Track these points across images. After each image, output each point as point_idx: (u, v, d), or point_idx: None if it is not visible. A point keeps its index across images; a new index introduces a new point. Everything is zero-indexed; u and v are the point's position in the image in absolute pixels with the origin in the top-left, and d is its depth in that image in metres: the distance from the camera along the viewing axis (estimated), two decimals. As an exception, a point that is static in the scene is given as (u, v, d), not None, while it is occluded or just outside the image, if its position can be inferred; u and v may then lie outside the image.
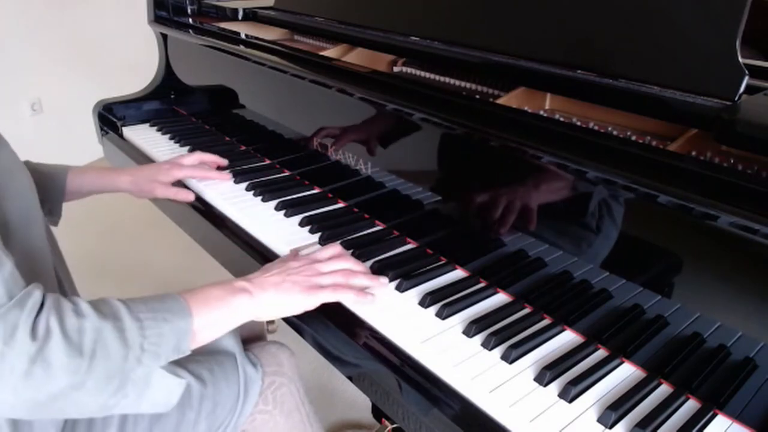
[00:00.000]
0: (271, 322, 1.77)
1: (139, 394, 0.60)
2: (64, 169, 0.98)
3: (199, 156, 1.10)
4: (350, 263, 0.79)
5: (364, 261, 0.84)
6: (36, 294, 0.55)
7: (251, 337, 1.00)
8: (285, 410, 0.85)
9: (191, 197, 1.05)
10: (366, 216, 0.98)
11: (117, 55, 3.04)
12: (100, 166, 1.05)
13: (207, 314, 0.66)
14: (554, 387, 0.64)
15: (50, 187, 0.94)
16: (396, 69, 1.05)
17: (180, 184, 1.08)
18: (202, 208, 1.05)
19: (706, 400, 0.62)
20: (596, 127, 0.75)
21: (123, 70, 2.86)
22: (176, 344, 0.62)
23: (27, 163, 0.91)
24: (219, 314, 0.67)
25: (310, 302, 0.74)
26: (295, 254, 0.82)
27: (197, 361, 0.79)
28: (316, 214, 0.98)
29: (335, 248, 0.81)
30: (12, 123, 2.63)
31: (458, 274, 0.84)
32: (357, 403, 1.61)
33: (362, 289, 0.77)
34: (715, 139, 0.66)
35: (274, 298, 0.72)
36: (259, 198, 1.03)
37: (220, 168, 1.13)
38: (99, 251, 2.32)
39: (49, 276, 0.76)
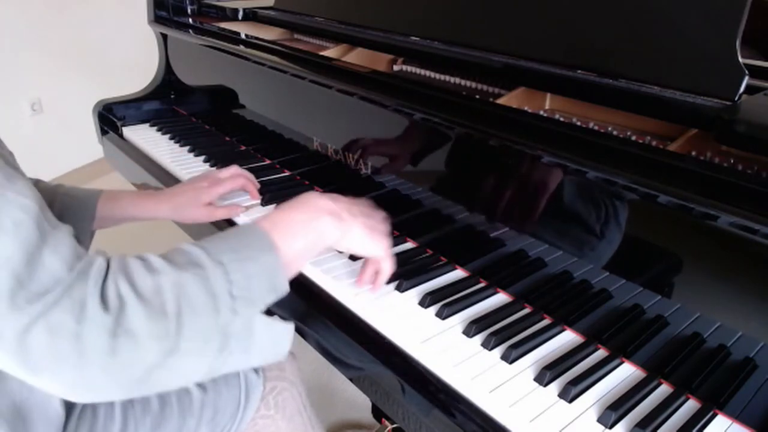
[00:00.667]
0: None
1: (245, 348, 0.53)
2: (96, 193, 0.88)
3: (237, 169, 1.00)
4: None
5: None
6: (98, 260, 0.49)
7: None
8: (287, 415, 0.85)
9: (240, 210, 0.98)
10: (366, 216, 0.98)
11: (117, 55, 3.04)
12: (135, 191, 0.95)
13: (293, 244, 0.59)
14: (554, 387, 0.64)
15: (79, 211, 0.85)
16: (396, 68, 1.05)
17: None
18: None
19: (706, 400, 0.62)
20: (596, 127, 0.75)
21: (123, 70, 2.86)
22: (269, 283, 0.56)
23: (59, 187, 0.86)
24: (305, 242, 0.60)
25: (386, 253, 0.71)
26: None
27: None
28: (316, 214, 0.98)
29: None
30: (12, 123, 2.63)
31: (458, 274, 0.84)
32: (357, 403, 1.61)
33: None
34: (715, 139, 0.66)
35: (361, 231, 0.67)
36: (259, 198, 1.03)
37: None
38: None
39: None
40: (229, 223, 0.99)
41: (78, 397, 0.49)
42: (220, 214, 0.95)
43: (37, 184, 0.83)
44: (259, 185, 1.03)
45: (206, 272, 0.52)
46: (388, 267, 0.74)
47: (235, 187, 0.98)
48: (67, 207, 0.84)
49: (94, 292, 0.47)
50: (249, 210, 0.97)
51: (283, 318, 0.59)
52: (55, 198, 0.84)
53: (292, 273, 0.60)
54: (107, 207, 0.87)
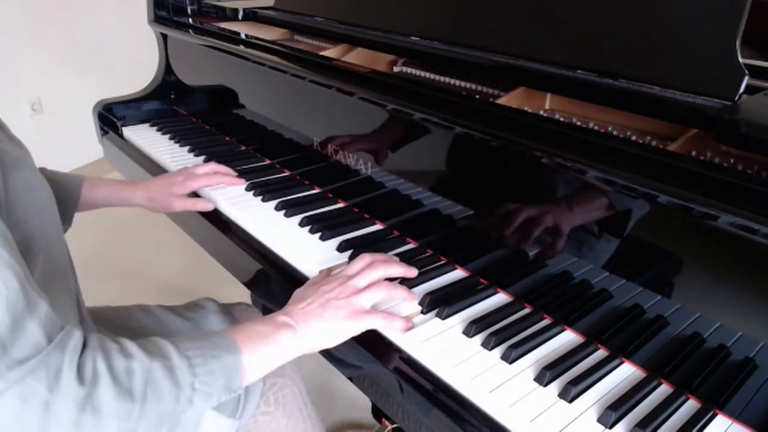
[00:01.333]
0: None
1: None
2: (80, 180, 0.95)
3: (213, 166, 1.07)
4: (382, 269, 0.75)
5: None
6: (76, 334, 0.52)
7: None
8: (287, 411, 0.85)
9: (210, 206, 1.02)
10: (366, 216, 0.98)
11: (117, 55, 3.04)
12: (115, 180, 1.03)
13: (253, 350, 0.62)
14: (554, 387, 0.64)
15: (63, 198, 0.90)
16: (396, 69, 1.05)
17: (193, 193, 1.05)
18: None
19: (706, 400, 0.62)
20: (596, 127, 0.75)
21: (123, 70, 2.86)
22: (227, 382, 0.59)
23: (42, 171, 0.87)
24: (266, 351, 0.64)
25: (357, 327, 0.70)
26: (325, 275, 0.78)
27: None
28: (316, 214, 0.98)
29: (364, 259, 0.76)
30: (12, 123, 2.62)
31: (458, 274, 0.84)
32: (357, 403, 1.61)
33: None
34: (715, 139, 0.66)
35: (319, 330, 0.68)
36: (259, 198, 1.03)
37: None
38: (100, 251, 2.32)
39: (69, 293, 0.74)
40: (232, 229, 1.00)
41: None
42: (189, 205, 1.01)
43: None
44: (236, 174, 1.09)
45: (173, 363, 0.55)
46: (377, 325, 0.71)
47: (209, 184, 1.05)
48: (53, 190, 0.85)
49: (72, 363, 0.49)
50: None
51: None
52: None
53: (253, 378, 0.63)
54: (90, 194, 0.96)
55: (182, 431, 0.57)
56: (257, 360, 0.63)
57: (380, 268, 0.75)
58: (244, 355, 0.61)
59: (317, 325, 0.68)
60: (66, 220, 0.93)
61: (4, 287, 0.47)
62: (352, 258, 0.86)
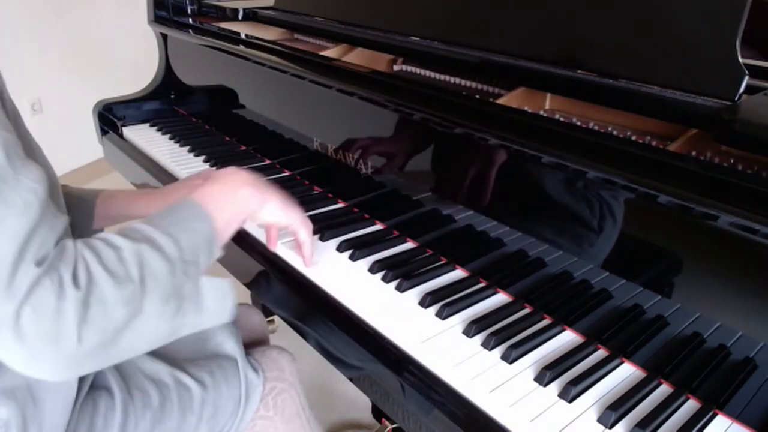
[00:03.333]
0: (271, 321, 1.78)
1: (197, 308, 0.60)
2: (94, 193, 0.91)
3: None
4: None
5: (364, 261, 0.84)
6: (68, 244, 0.54)
7: (253, 341, 1.00)
8: (285, 416, 0.85)
9: None
10: (366, 216, 0.98)
11: (117, 55, 3.04)
12: (131, 190, 0.99)
13: (221, 214, 0.66)
14: (554, 387, 0.64)
15: (78, 212, 0.87)
16: (396, 68, 1.04)
17: None
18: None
19: (706, 400, 0.62)
20: (596, 127, 0.75)
21: (123, 70, 2.87)
22: (208, 248, 0.63)
23: (63, 187, 0.87)
24: (231, 211, 0.68)
25: (302, 223, 0.78)
26: None
27: (198, 365, 0.79)
28: (316, 214, 0.98)
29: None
30: (12, 123, 2.62)
31: (458, 274, 0.84)
32: (357, 403, 1.61)
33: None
34: (715, 139, 0.66)
35: (275, 200, 0.74)
36: (259, 198, 1.03)
37: None
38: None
39: None
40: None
41: (60, 374, 0.53)
42: None
43: None
44: None
45: (159, 242, 0.58)
46: (304, 235, 0.79)
47: None
48: (68, 206, 0.85)
49: (68, 271, 0.52)
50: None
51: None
52: None
53: (223, 241, 0.67)
54: (105, 206, 0.90)
55: (189, 302, 0.59)
56: (225, 222, 0.67)
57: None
58: (217, 221, 0.65)
59: (276, 194, 0.75)
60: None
61: (22, 203, 0.51)
62: (352, 258, 0.86)
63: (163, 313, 0.57)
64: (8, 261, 0.48)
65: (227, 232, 0.68)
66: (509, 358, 0.67)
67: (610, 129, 0.76)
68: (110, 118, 1.43)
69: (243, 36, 1.24)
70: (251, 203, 0.71)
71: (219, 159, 1.21)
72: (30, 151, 0.61)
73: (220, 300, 0.64)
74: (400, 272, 0.81)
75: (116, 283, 0.53)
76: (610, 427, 0.59)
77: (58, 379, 0.54)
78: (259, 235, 0.95)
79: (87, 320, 0.51)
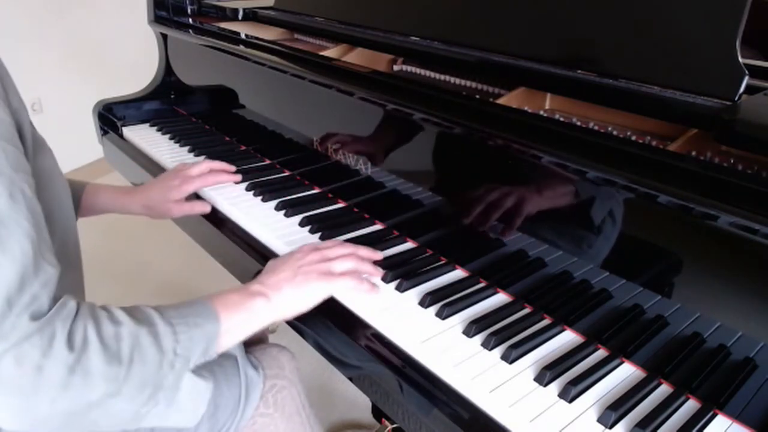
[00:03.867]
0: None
1: (169, 401, 0.60)
2: (81, 186, 0.96)
3: (208, 164, 1.06)
4: (352, 248, 0.80)
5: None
6: (70, 303, 0.55)
7: (252, 339, 1.00)
8: (286, 414, 0.85)
9: (207, 208, 1.02)
10: (366, 216, 0.98)
11: (117, 55, 3.04)
12: (117, 186, 1.02)
13: (229, 318, 0.66)
14: (554, 387, 0.64)
15: None
16: (396, 68, 1.04)
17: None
18: (202, 208, 1.05)
19: (706, 400, 0.62)
20: (596, 127, 0.75)
21: (123, 70, 2.87)
22: (205, 348, 0.63)
23: None
24: (240, 318, 0.68)
25: (328, 289, 0.74)
26: (298, 249, 0.82)
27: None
28: (316, 214, 0.98)
29: (335, 241, 0.83)
30: (12, 123, 2.62)
31: (458, 274, 0.84)
32: (357, 403, 1.61)
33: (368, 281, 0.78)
34: (715, 139, 0.66)
35: (292, 295, 0.72)
36: (259, 198, 1.03)
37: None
38: (101, 251, 2.32)
39: (80, 282, 0.77)
40: (231, 229, 1.00)
41: (17, 425, 0.53)
42: (187, 209, 1.01)
43: None
44: (234, 169, 1.09)
45: (158, 330, 0.59)
46: (348, 285, 0.76)
47: (206, 185, 1.04)
48: None
49: (63, 330, 0.52)
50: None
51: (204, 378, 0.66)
52: None
53: (226, 345, 0.67)
54: (89, 200, 0.97)
55: (164, 393, 0.59)
56: (233, 327, 0.67)
57: (351, 248, 0.81)
58: (222, 323, 0.65)
59: (289, 290, 0.72)
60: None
61: (20, 254, 0.51)
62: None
63: (136, 397, 0.56)
64: None
65: (232, 337, 0.67)
66: (509, 358, 0.67)
67: (610, 129, 0.76)
68: (110, 118, 1.43)
69: (243, 36, 1.24)
70: (264, 314, 0.70)
71: (219, 159, 1.20)
72: (39, 147, 0.62)
73: (193, 401, 0.63)
74: (400, 272, 0.81)
75: (106, 358, 0.53)
76: (610, 427, 0.59)
77: (10, 429, 0.53)
78: (259, 235, 0.95)
79: (67, 386, 0.51)
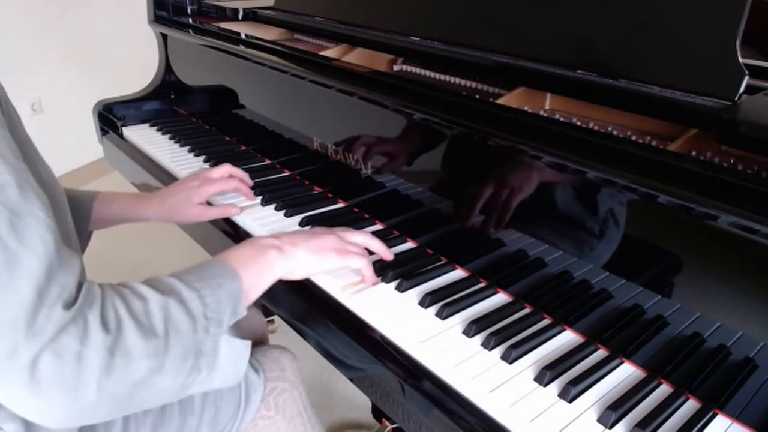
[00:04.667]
0: (272, 321, 1.78)
1: (211, 367, 0.59)
2: (92, 196, 0.90)
3: (229, 169, 1.00)
4: (368, 237, 0.81)
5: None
6: (95, 287, 0.53)
7: (253, 341, 1.00)
8: (287, 416, 0.85)
9: (237, 211, 0.98)
10: (366, 216, 0.98)
11: (117, 55, 3.04)
12: (130, 193, 0.95)
13: (248, 274, 0.66)
14: (554, 387, 0.64)
15: (74, 214, 0.85)
16: (396, 68, 1.04)
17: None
18: (202, 208, 1.05)
19: (706, 400, 0.62)
20: (596, 127, 0.75)
21: (123, 70, 2.86)
22: (234, 306, 0.62)
23: None
24: (257, 273, 0.67)
25: (341, 261, 0.75)
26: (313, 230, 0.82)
27: None
28: (316, 214, 0.98)
29: (365, 235, 0.82)
30: (12, 123, 2.62)
31: (458, 274, 0.84)
32: (357, 403, 1.61)
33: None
34: (715, 139, 0.66)
35: (304, 254, 0.73)
36: (259, 198, 1.03)
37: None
38: (101, 252, 2.32)
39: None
40: (227, 222, 0.99)
41: (67, 421, 0.51)
42: (213, 214, 0.96)
43: None
44: (252, 184, 1.04)
45: (184, 296, 0.58)
46: (358, 263, 0.78)
47: (227, 188, 0.98)
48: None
49: (96, 315, 0.51)
50: (245, 210, 0.99)
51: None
52: None
53: (250, 301, 0.67)
54: (102, 209, 0.90)
55: (205, 360, 0.58)
56: (252, 282, 0.66)
57: (366, 236, 0.82)
58: (243, 280, 0.64)
59: (304, 249, 0.73)
60: (80, 239, 0.85)
61: (42, 245, 0.49)
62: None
63: (180, 369, 0.55)
64: (27, 305, 0.47)
65: (253, 293, 0.67)
66: (509, 358, 0.67)
67: (610, 129, 0.76)
68: (110, 118, 1.43)
69: (243, 36, 1.24)
70: (278, 266, 0.70)
71: (219, 159, 1.20)
72: (32, 162, 0.60)
73: (234, 362, 0.62)
74: (400, 272, 0.81)
75: (143, 334, 0.52)
76: (610, 427, 0.59)
77: (61, 427, 0.52)
78: (258, 234, 0.95)
79: (110, 369, 0.50)
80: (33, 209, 0.50)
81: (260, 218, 0.98)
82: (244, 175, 1.02)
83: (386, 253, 0.83)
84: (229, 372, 0.62)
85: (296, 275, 0.73)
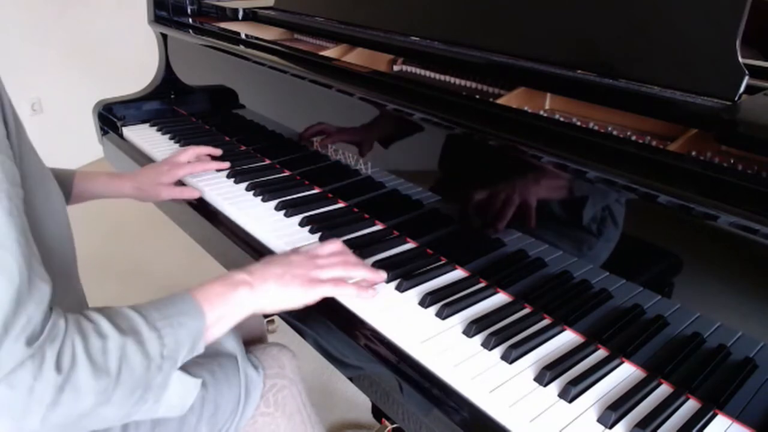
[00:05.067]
0: (272, 321, 1.78)
1: (157, 399, 0.60)
2: (71, 174, 0.98)
3: (195, 150, 1.11)
4: (350, 258, 0.80)
5: (364, 260, 0.84)
6: (60, 323, 0.54)
7: (252, 339, 1.00)
8: (287, 413, 0.85)
9: (196, 194, 1.06)
10: (366, 216, 0.98)
11: (117, 55, 3.04)
12: (106, 172, 1.05)
13: (212, 311, 0.66)
14: (554, 387, 0.64)
15: None
16: (396, 68, 1.05)
17: (180, 182, 1.08)
18: (203, 208, 1.05)
19: (706, 400, 0.62)
20: (596, 127, 0.75)
21: (123, 70, 2.86)
22: (191, 346, 0.63)
23: None
24: (223, 310, 0.68)
25: (309, 296, 0.74)
26: (296, 250, 0.82)
27: (198, 364, 0.79)
28: (316, 214, 0.98)
29: (336, 244, 0.82)
30: (12, 123, 2.63)
31: (458, 274, 0.84)
32: (357, 403, 1.61)
33: (363, 284, 0.77)
34: (715, 139, 0.66)
35: (275, 291, 0.72)
36: (260, 198, 1.04)
37: (215, 158, 1.14)
38: (101, 252, 2.32)
39: (77, 287, 0.76)
40: (227, 222, 1.00)
41: None
42: (176, 193, 1.05)
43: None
44: (219, 152, 1.14)
45: (143, 337, 0.59)
46: (329, 293, 0.76)
47: (193, 171, 1.09)
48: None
49: (53, 353, 0.52)
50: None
51: (191, 375, 0.66)
52: None
53: (212, 337, 0.67)
54: (81, 186, 0.98)
55: (152, 393, 0.60)
56: (217, 319, 0.67)
57: (348, 257, 0.80)
58: (207, 318, 0.65)
59: (275, 286, 0.72)
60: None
61: (18, 274, 0.50)
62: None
63: (125, 401, 0.57)
64: None
65: (217, 329, 0.68)
66: (509, 358, 0.67)
67: (610, 129, 0.76)
68: (110, 118, 1.43)
69: (243, 36, 1.24)
70: (247, 302, 0.70)
71: (219, 159, 1.20)
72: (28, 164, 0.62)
73: (181, 396, 0.64)
74: (400, 272, 0.81)
75: (95, 373, 0.54)
76: (610, 427, 0.59)
77: None
78: (259, 235, 0.95)
79: (56, 404, 0.52)
80: (16, 235, 0.51)
81: (260, 218, 0.98)
82: (210, 149, 1.14)
83: (376, 276, 0.80)
84: (175, 404, 0.64)
85: (269, 310, 0.73)
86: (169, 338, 0.60)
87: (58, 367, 0.52)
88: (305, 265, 0.76)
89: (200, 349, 0.65)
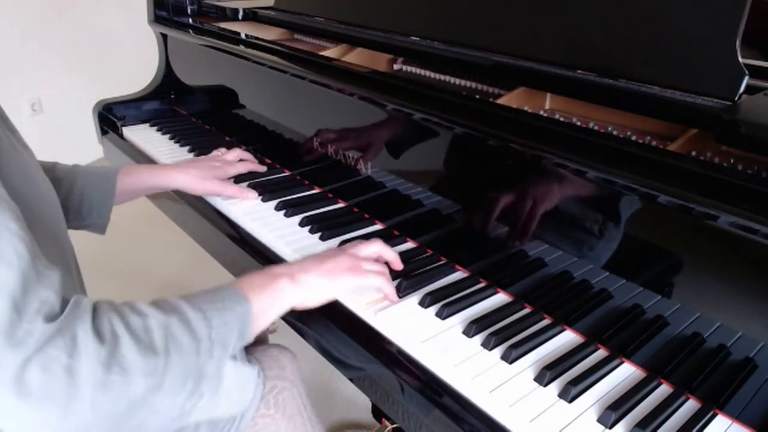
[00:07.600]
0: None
1: (214, 392, 0.57)
2: (114, 170, 0.95)
3: (239, 151, 1.11)
4: (387, 270, 0.79)
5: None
6: (85, 300, 0.52)
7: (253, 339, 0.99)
8: (287, 414, 0.85)
9: (253, 195, 1.04)
10: (366, 216, 0.98)
11: (117, 55, 3.04)
12: (151, 165, 1.05)
13: (258, 300, 0.64)
14: (554, 387, 0.64)
15: (101, 189, 0.91)
16: (396, 67, 1.04)
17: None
18: (202, 208, 1.05)
19: (706, 400, 0.62)
20: (596, 127, 0.75)
21: (123, 70, 2.86)
22: (240, 331, 0.60)
23: (76, 167, 0.92)
24: (268, 299, 0.66)
25: (356, 281, 0.73)
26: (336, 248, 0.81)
27: None
28: (316, 214, 0.98)
29: (376, 245, 0.80)
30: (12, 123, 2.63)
31: (458, 274, 0.84)
32: (357, 403, 1.61)
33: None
34: (715, 139, 0.66)
35: (318, 279, 0.71)
36: (260, 198, 1.04)
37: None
38: (101, 252, 2.32)
39: (78, 286, 0.75)
40: (227, 223, 0.99)
41: None
42: (232, 191, 1.03)
43: (55, 166, 0.90)
44: (264, 168, 1.13)
45: (188, 317, 0.56)
46: (376, 282, 0.75)
47: (242, 171, 1.09)
48: (89, 183, 0.90)
49: (86, 327, 0.49)
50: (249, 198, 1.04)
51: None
52: (75, 177, 0.90)
53: (259, 327, 0.65)
54: (127, 180, 0.95)
55: (207, 384, 0.56)
56: (263, 308, 0.65)
57: (378, 245, 0.79)
58: (253, 305, 0.63)
59: (316, 274, 0.71)
60: (103, 214, 0.93)
61: (16, 258, 0.48)
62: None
63: (179, 391, 0.54)
64: (2, 317, 0.45)
65: (263, 320, 0.65)
66: (509, 358, 0.67)
67: (610, 129, 0.76)
68: (110, 118, 1.43)
69: (243, 36, 1.24)
70: (289, 294, 0.69)
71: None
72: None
73: (240, 388, 0.61)
74: (400, 272, 0.81)
75: (140, 350, 0.50)
76: (610, 427, 0.59)
77: None
78: (260, 235, 0.95)
79: (105, 385, 0.48)
80: (6, 220, 0.49)
81: (260, 219, 0.98)
82: (251, 158, 1.13)
83: (398, 263, 0.81)
84: (235, 398, 0.60)
85: (311, 302, 0.71)
86: (216, 320, 0.57)
87: (99, 337, 0.48)
88: (340, 254, 0.75)
89: (250, 337, 0.62)
